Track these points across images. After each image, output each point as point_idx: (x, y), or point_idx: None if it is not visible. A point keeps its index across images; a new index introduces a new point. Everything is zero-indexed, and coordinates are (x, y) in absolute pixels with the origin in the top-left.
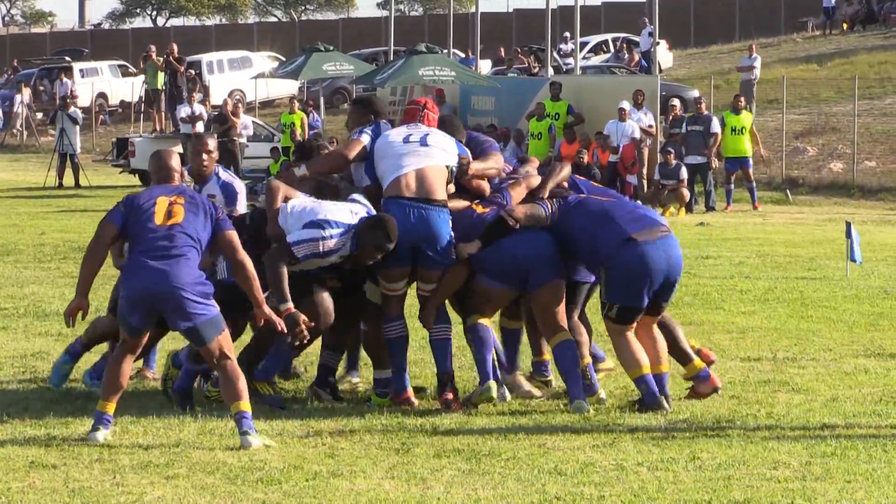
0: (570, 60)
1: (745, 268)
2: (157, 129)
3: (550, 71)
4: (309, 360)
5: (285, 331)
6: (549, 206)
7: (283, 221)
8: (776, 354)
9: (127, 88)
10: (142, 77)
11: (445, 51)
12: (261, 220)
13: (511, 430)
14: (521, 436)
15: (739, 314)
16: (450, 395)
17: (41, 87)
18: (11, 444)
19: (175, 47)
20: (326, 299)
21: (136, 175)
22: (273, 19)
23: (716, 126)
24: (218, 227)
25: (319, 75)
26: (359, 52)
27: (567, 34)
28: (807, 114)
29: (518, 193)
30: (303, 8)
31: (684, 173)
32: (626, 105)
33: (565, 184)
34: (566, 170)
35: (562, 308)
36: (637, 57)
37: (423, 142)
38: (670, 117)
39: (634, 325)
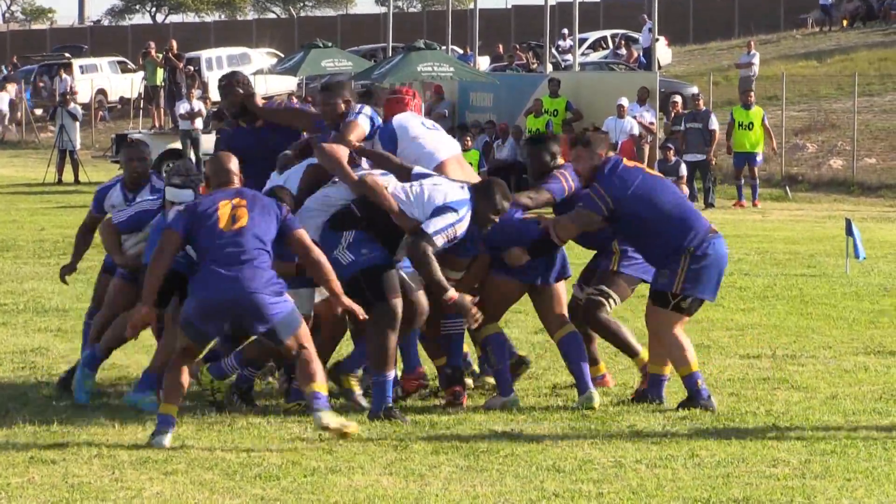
0: (569, 57)
1: (744, 265)
2: (157, 125)
3: (549, 67)
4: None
5: (365, 318)
6: (599, 200)
7: (410, 212)
8: (775, 352)
9: (126, 85)
10: (141, 73)
11: (444, 47)
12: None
13: (509, 426)
14: (519, 433)
15: (739, 311)
16: (458, 388)
17: (41, 84)
18: (11, 439)
19: (174, 44)
20: (424, 299)
21: None
22: (272, 16)
23: (714, 123)
24: (286, 226)
25: (318, 71)
26: (357, 48)
27: (565, 30)
28: (806, 110)
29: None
30: (301, 4)
31: (684, 170)
32: (625, 101)
33: None
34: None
35: (565, 302)
36: (636, 53)
37: (436, 128)
38: (672, 114)
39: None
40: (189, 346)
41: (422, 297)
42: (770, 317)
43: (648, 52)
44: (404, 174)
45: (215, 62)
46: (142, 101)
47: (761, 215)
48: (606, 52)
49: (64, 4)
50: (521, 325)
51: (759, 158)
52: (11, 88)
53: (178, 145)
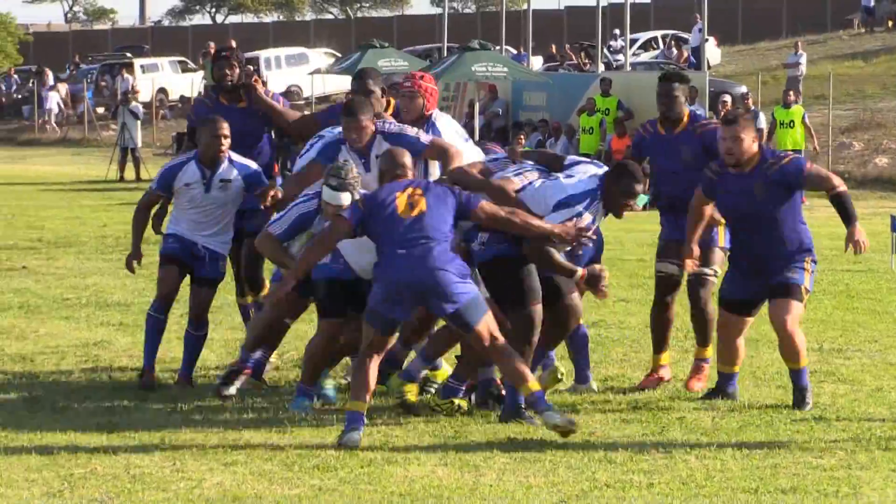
0: (620, 57)
1: None
2: None
3: (601, 67)
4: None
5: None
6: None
7: (534, 208)
8: (822, 345)
9: (186, 84)
10: (201, 73)
11: (498, 47)
12: None
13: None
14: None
15: None
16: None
17: (103, 83)
18: (74, 430)
19: (234, 44)
20: (578, 300)
21: None
22: (329, 17)
23: (761, 121)
24: (468, 206)
25: None
26: (413, 48)
27: (617, 31)
28: (852, 109)
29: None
30: (358, 5)
31: None
32: None
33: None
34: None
35: None
36: (686, 53)
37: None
38: (721, 113)
39: None
40: (374, 341)
41: (576, 299)
42: (817, 311)
43: (698, 53)
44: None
45: (274, 62)
46: None
47: (808, 212)
48: (657, 52)
49: (125, 5)
50: None
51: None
52: (62, 88)
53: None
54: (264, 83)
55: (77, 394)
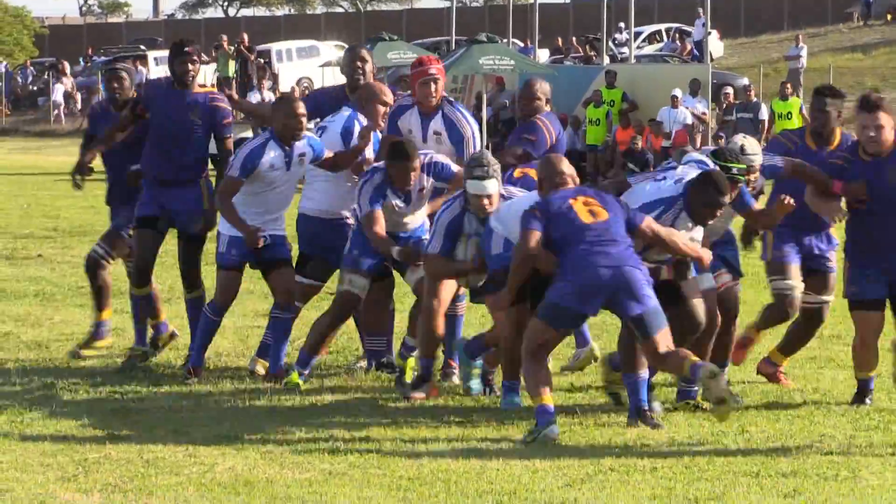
0: (625, 49)
1: None
2: None
3: (606, 60)
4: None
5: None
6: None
7: None
8: (822, 332)
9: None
10: (213, 65)
11: (505, 40)
12: None
13: (567, 404)
14: (577, 410)
15: None
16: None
17: None
18: (88, 415)
19: (246, 37)
20: (700, 306)
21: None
22: (340, 10)
23: (764, 113)
24: (635, 219)
25: (384, 63)
26: (422, 41)
27: (622, 24)
28: (852, 101)
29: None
30: None
31: None
32: (679, 92)
33: None
34: None
35: None
36: (689, 46)
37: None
38: (724, 105)
39: None
40: (546, 341)
41: (699, 307)
42: None
43: (701, 45)
44: None
45: (285, 54)
46: None
47: None
48: (661, 44)
49: None
50: None
51: None
52: (67, 81)
53: (249, 134)
54: (274, 76)
55: (91, 380)
